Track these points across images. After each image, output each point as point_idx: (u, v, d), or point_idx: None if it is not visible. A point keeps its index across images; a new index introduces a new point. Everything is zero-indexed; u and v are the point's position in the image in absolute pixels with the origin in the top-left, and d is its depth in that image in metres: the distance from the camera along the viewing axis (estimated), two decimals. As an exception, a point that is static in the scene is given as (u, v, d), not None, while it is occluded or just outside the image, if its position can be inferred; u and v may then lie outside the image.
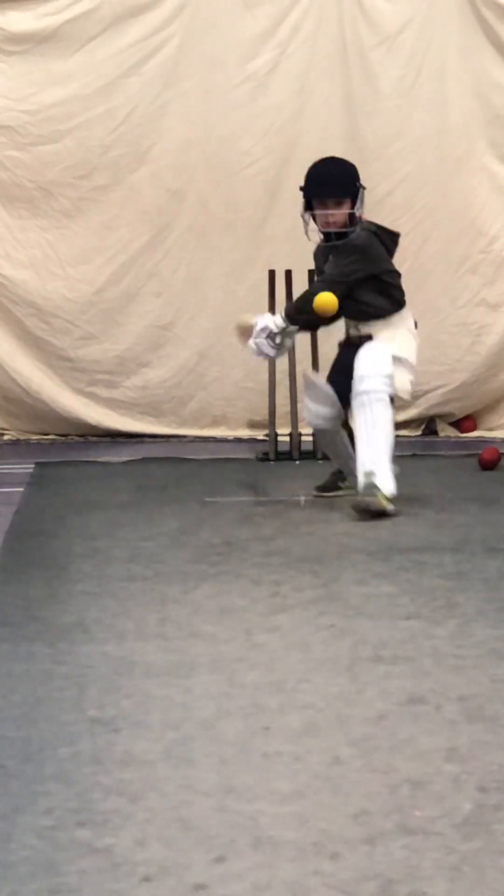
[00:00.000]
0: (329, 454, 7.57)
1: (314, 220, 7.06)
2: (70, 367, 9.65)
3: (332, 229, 7.00)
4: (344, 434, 7.15)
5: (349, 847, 3.27)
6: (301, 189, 7.14)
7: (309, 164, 9.77)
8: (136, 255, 9.63)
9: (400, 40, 9.59)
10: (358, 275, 6.95)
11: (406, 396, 7.14)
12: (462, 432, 9.87)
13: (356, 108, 9.63)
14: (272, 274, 9.16)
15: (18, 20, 9.45)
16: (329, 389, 7.10)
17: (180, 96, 9.56)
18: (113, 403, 9.75)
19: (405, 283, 9.77)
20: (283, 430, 9.06)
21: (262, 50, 9.57)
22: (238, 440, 9.63)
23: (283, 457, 8.98)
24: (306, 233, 7.10)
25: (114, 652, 4.79)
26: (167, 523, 6.96)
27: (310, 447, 9.01)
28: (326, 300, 6.86)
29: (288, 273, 9.19)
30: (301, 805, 3.51)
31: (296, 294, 9.15)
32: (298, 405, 9.16)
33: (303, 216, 7.08)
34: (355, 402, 6.90)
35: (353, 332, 7.16)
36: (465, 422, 9.91)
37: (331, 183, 7.06)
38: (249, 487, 7.97)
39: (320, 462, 8.88)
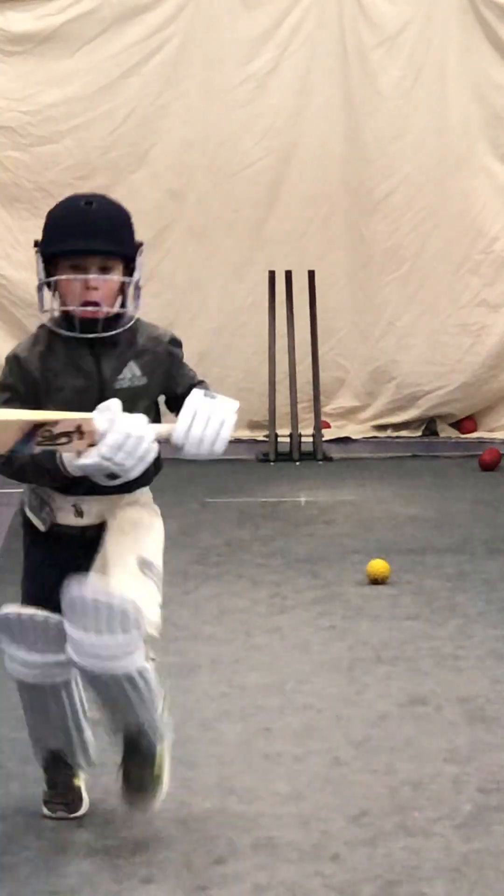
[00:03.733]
0: (43, 732, 3.61)
1: (57, 290, 3.64)
2: (70, 368, 9.63)
3: (97, 305, 3.57)
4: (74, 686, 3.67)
5: (349, 848, 3.27)
6: (36, 244, 3.62)
7: (309, 163, 9.82)
8: (136, 255, 9.61)
9: (400, 40, 9.59)
10: None
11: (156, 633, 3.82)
12: (462, 433, 9.86)
13: (356, 108, 9.63)
14: (272, 274, 9.16)
15: (18, 20, 9.45)
16: (55, 619, 3.56)
17: (180, 96, 9.55)
18: (113, 404, 9.73)
19: (406, 284, 9.94)
20: (283, 431, 9.05)
21: (262, 50, 9.56)
22: (238, 441, 9.61)
23: (283, 457, 8.96)
24: (40, 308, 3.76)
25: (114, 653, 4.78)
26: (167, 524, 6.91)
27: (310, 448, 8.99)
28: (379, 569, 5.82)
29: (288, 273, 9.18)
30: (301, 806, 3.51)
31: (296, 295, 9.17)
32: (299, 406, 9.16)
33: (40, 284, 3.65)
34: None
35: (74, 517, 3.75)
36: (465, 422, 9.90)
37: (100, 233, 3.56)
38: (249, 488, 7.96)
39: (320, 463, 8.89)
